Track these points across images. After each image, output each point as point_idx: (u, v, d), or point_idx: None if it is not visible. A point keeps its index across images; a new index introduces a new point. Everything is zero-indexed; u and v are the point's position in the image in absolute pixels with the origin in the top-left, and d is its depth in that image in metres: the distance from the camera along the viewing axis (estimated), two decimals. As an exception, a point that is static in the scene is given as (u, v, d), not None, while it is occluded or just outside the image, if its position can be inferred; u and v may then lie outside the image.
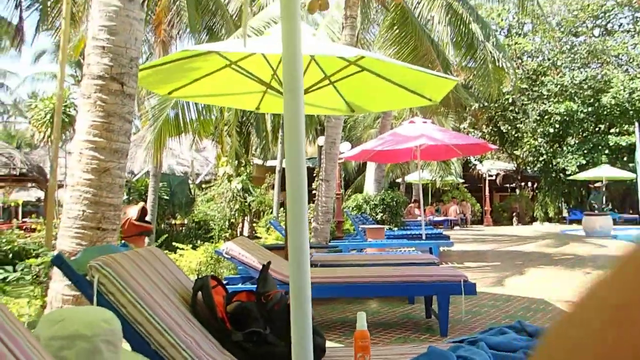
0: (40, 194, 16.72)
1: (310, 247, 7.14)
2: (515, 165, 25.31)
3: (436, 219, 20.19)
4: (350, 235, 10.62)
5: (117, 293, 1.80)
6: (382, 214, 12.65)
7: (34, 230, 10.93)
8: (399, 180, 21.94)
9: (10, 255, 8.11)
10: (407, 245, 8.96)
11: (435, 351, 1.98)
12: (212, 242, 8.61)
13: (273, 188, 14.84)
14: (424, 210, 13.25)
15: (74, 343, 1.27)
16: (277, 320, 2.18)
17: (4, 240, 8.60)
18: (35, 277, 3.83)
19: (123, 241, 2.72)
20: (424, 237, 9.72)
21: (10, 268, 4.03)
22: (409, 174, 21.03)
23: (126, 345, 1.71)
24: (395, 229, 12.17)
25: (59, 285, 2.91)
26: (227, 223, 12.41)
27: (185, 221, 13.75)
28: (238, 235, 12.12)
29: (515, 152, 24.36)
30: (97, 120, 3.09)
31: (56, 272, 2.98)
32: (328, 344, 2.39)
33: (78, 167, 3.03)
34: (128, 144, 3.26)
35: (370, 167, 14.21)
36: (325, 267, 5.55)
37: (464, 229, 21.13)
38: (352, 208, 12.48)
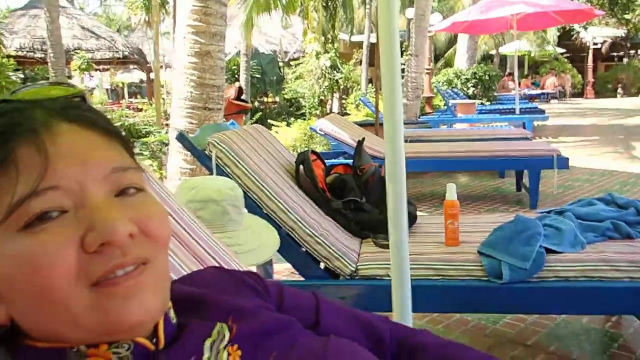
0: (142, 75, 17.64)
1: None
2: (625, 31, 23.00)
3: (532, 92, 19.25)
4: (440, 110, 10.51)
5: (232, 166, 2.05)
6: (473, 89, 12.29)
7: (140, 109, 11.76)
8: (493, 52, 20.82)
9: (123, 133, 8.87)
10: (499, 121, 8.79)
11: (521, 219, 2.10)
12: (304, 119, 8.91)
13: (361, 64, 14.68)
14: (519, 84, 12.68)
15: (207, 205, 1.52)
16: (372, 191, 2.39)
17: (115, 118, 9.38)
18: (152, 152, 4.27)
19: (231, 120, 2.96)
20: (517, 111, 9.43)
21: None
22: (503, 45, 19.84)
23: (243, 210, 1.98)
24: (487, 103, 11.86)
25: (177, 159, 3.26)
26: (316, 100, 12.60)
27: (277, 99, 14.12)
28: (328, 112, 12.34)
29: (625, 16, 22.01)
30: (196, 4, 3.23)
31: (173, 148, 3.33)
32: (418, 214, 2.58)
33: (183, 51, 3.25)
34: (224, 27, 3.40)
35: (462, 40, 13.57)
36: (414, 142, 5.66)
37: (562, 102, 20.09)
38: (442, 83, 12.19)
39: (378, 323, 0.69)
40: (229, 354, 0.55)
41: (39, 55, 12.20)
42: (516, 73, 10.01)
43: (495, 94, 13.18)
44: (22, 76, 13.69)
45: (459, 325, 2.45)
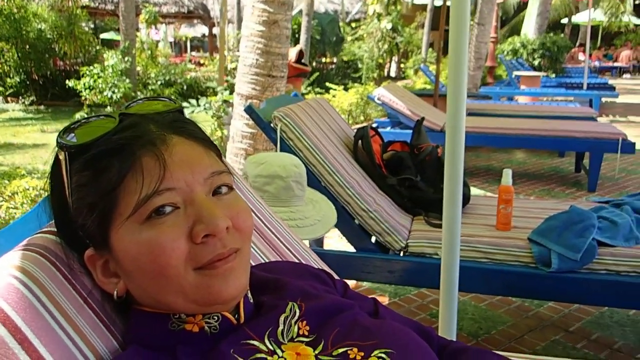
0: (205, 30, 17.90)
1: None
2: None
3: (603, 65, 18.34)
4: (503, 81, 10.24)
5: (295, 139, 2.15)
6: (540, 60, 11.81)
7: (201, 64, 11.99)
8: (564, 21, 19.84)
9: (184, 87, 9.13)
10: (564, 95, 8.51)
11: (576, 210, 2.11)
12: (362, 84, 8.89)
13: (423, 27, 14.36)
14: (590, 56, 12.12)
15: (273, 181, 1.64)
16: (427, 170, 2.44)
17: (178, 72, 9.61)
18: (215, 111, 4.43)
19: (294, 92, 3.05)
20: (585, 86, 9.10)
21: (194, 102, 4.67)
22: (576, 14, 18.86)
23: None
24: (554, 75, 11.42)
25: (239, 123, 3.40)
26: (374, 63, 12.46)
27: (335, 60, 14.05)
28: (385, 75, 12.21)
29: None
30: (266, -28, 3.28)
31: (236, 112, 3.46)
32: (472, 190, 2.62)
33: (251, 19, 3.33)
34: (293, -4, 3.45)
35: (533, 5, 13.00)
36: (472, 115, 5.59)
37: (635, 78, 19.06)
38: (507, 52, 11.77)
39: (427, 327, 0.79)
40: (299, 328, 0.67)
41: (110, 7, 12.58)
42: (588, 44, 9.55)
43: (564, 66, 12.64)
44: (93, 26, 14.13)
45: (502, 305, 2.52)
